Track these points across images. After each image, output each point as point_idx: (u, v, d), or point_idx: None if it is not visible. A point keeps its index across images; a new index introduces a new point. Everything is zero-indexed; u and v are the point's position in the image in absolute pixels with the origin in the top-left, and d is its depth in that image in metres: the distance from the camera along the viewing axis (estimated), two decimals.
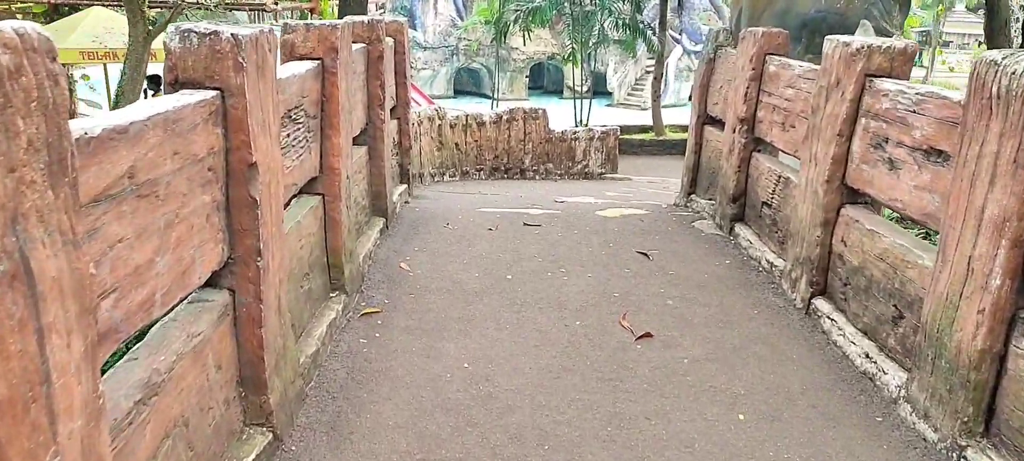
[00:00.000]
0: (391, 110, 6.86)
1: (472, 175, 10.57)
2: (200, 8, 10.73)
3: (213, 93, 2.44)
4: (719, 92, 6.63)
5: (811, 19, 5.94)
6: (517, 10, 20.13)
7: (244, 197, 2.59)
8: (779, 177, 5.12)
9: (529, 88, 33.75)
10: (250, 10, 14.43)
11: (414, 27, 30.82)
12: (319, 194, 4.07)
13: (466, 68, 32.76)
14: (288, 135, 3.37)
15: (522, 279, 4.81)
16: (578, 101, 20.19)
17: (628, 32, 19.99)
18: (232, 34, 2.44)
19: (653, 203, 8.08)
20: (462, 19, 31.12)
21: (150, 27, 9.86)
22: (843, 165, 4.10)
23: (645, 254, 5.39)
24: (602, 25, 20.03)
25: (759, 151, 5.69)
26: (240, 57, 2.45)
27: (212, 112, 2.42)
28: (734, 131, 5.82)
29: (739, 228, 5.76)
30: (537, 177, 11.73)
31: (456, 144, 10.10)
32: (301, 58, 3.93)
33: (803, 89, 4.78)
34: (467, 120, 10.28)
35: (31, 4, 17.73)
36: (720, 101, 6.60)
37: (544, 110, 11.64)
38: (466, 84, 33.30)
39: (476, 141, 10.53)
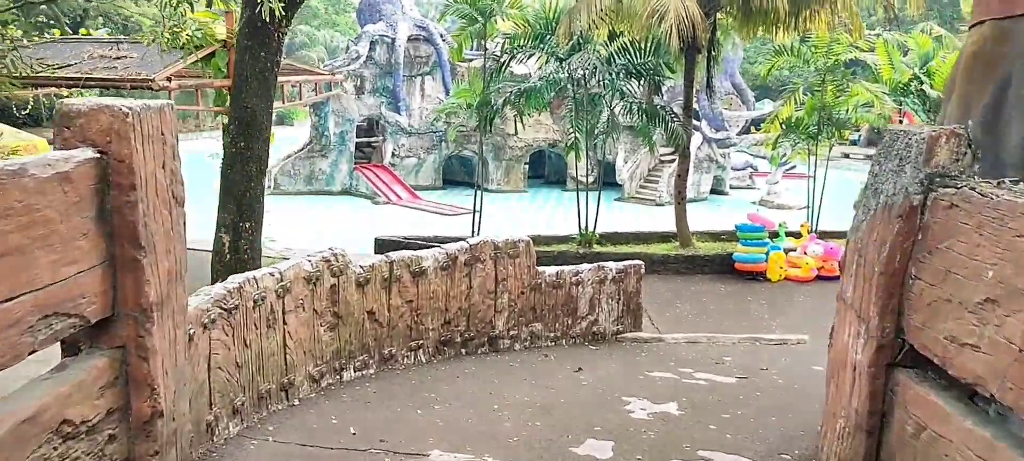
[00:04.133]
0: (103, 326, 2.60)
1: (401, 361, 6.26)
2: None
3: None
4: (976, 310, 2.34)
5: None
6: (507, 91, 16.25)
7: None
8: None
9: (529, 177, 29.85)
10: (132, 88, 10.47)
11: (398, 111, 27.19)
12: None
13: (457, 156, 28.91)
14: None
15: None
16: (583, 195, 16.03)
17: (643, 118, 16.02)
18: None
19: None
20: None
21: None
22: None
23: None
24: (611, 109, 16.09)
25: None
26: None
27: None
28: None
29: None
30: (518, 346, 7.37)
31: (370, 312, 5.83)
32: None
33: None
34: (392, 269, 6.04)
35: None
36: (979, 333, 2.30)
37: (527, 241, 7.38)
38: (457, 173, 29.42)
39: (410, 302, 6.27)
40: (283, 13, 8.51)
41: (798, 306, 12.91)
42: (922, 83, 16.48)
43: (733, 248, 15.33)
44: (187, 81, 11.19)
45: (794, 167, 25.51)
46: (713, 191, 28.35)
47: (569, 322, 7.85)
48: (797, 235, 16.28)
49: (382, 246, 15.49)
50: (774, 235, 15.40)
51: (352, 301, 5.70)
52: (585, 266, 8.04)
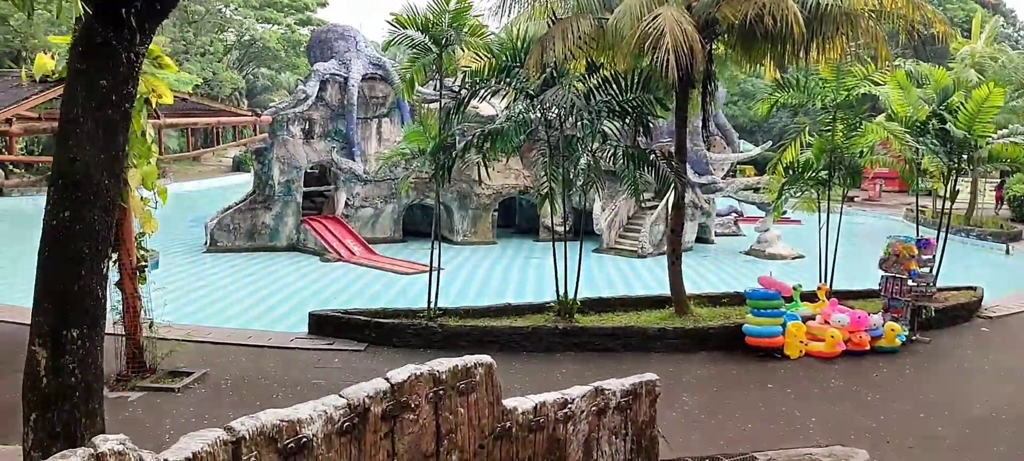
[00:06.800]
0: None
1: None
2: None
3: None
4: None
5: None
6: (470, 134, 13.71)
7: None
8: None
9: (500, 226, 27.31)
10: None
11: (352, 156, 24.52)
12: None
13: (419, 205, 26.22)
14: None
15: None
16: (560, 247, 13.36)
17: (630, 164, 13.56)
18: None
19: None
20: None
21: None
22: None
23: None
24: (592, 154, 13.61)
25: None
26: None
27: None
28: None
29: None
30: None
31: None
32: None
33: None
34: (238, 455, 3.36)
35: None
36: None
37: (487, 365, 4.74)
38: (420, 224, 26.65)
39: None
40: (134, 25, 5.90)
41: (831, 393, 10.39)
42: (944, 121, 14.31)
43: (739, 316, 12.85)
44: (38, 124, 8.42)
45: (785, 212, 23.29)
46: (698, 239, 26.01)
47: None
48: (813, 298, 13.87)
49: (319, 323, 12.66)
50: (787, 300, 12.96)
51: None
52: (576, 391, 5.38)
